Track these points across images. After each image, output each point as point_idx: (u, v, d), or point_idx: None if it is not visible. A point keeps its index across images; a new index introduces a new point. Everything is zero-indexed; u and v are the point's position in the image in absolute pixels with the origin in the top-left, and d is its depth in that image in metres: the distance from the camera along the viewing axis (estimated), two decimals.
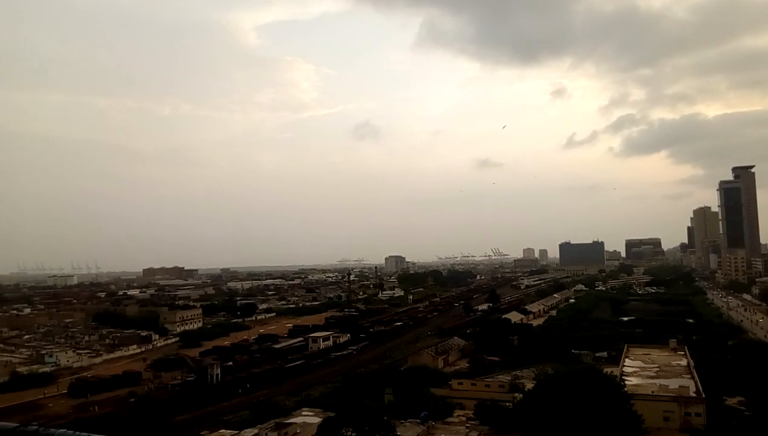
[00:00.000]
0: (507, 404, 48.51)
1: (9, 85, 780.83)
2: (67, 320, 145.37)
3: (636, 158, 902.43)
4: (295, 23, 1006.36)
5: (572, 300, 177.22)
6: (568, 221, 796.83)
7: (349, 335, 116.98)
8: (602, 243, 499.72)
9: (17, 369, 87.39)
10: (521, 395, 47.97)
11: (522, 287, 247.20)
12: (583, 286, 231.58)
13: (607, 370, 49.78)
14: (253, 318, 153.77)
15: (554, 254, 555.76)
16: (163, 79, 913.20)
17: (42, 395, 74.88)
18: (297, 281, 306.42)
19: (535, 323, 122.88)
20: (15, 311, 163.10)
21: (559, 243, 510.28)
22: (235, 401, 70.08)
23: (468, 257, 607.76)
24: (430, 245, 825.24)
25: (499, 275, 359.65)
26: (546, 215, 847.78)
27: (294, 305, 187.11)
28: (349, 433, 36.97)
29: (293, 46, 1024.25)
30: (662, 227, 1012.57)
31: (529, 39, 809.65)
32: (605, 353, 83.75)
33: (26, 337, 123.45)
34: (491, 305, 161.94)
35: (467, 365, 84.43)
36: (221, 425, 55.22)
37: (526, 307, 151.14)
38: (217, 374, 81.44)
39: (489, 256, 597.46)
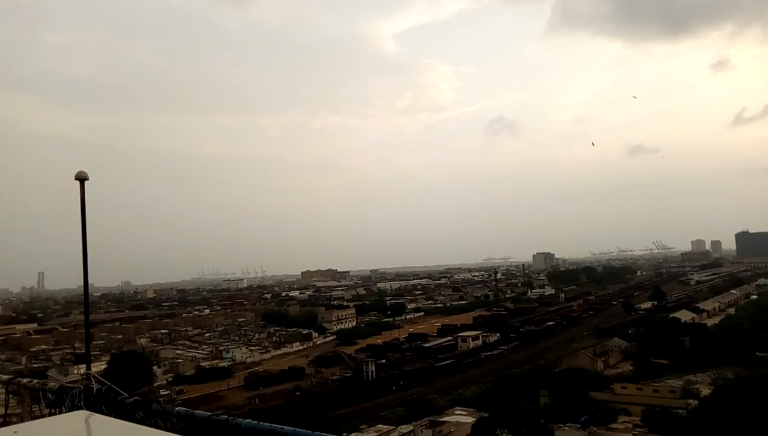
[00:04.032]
0: (680, 411, 44.19)
1: (187, 112, 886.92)
2: (240, 320, 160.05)
3: None
4: (430, 26, 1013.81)
5: (754, 296, 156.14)
6: (745, 207, 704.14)
7: (498, 334, 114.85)
8: None
9: (201, 364, 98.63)
10: (696, 402, 43.43)
11: (692, 283, 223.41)
12: (766, 280, 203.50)
13: None
14: (403, 317, 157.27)
15: (729, 245, 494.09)
16: (313, 95, 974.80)
17: (220, 387, 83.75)
18: (443, 281, 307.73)
19: (709, 322, 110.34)
20: (197, 312, 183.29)
21: (735, 233, 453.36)
22: (390, 398, 72.34)
23: (626, 251, 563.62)
24: (582, 240, 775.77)
25: (664, 271, 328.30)
26: (717, 202, 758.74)
27: (441, 305, 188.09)
28: (504, 434, 36.30)
29: (430, 48, 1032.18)
30: None
31: (678, 8, 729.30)
32: None
33: (207, 335, 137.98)
34: (655, 303, 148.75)
35: (630, 367, 78.51)
36: (378, 420, 57.37)
37: (698, 305, 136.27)
38: (371, 371, 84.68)
39: (650, 249, 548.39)
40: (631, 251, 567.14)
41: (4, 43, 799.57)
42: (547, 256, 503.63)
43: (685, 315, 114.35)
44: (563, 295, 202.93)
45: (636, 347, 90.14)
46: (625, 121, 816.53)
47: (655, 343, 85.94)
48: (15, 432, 3.43)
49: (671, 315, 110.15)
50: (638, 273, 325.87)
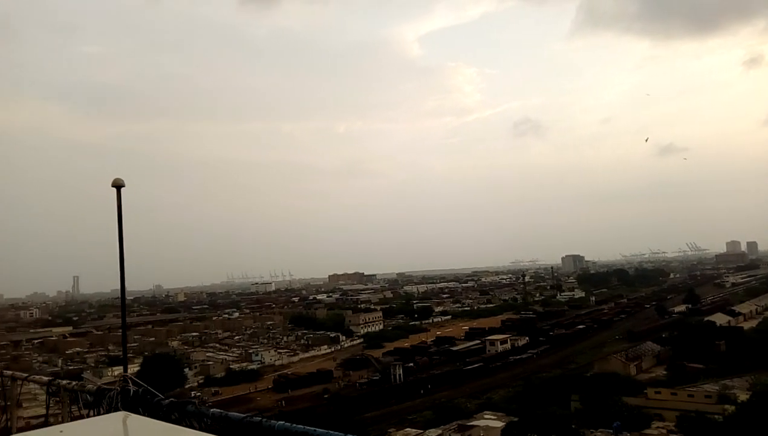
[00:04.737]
0: (716, 416, 43.03)
1: (214, 119, 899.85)
2: (269, 323, 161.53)
3: None
4: (455, 29, 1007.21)
5: None
6: None
7: (527, 338, 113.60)
8: None
9: (231, 366, 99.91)
10: (733, 408, 42.23)
11: (727, 286, 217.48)
12: None
13: None
14: (430, 321, 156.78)
15: (766, 246, 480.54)
16: (338, 100, 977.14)
17: (250, 389, 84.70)
18: (470, 284, 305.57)
19: (746, 325, 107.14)
20: (227, 315, 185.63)
21: None
22: (418, 401, 72.13)
23: (658, 253, 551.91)
24: (612, 242, 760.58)
25: (698, 273, 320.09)
26: (752, 202, 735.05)
27: (468, 308, 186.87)
28: None
29: (455, 51, 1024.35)
30: None
31: (706, 5, 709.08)
32: None
33: (236, 338, 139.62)
34: (690, 306, 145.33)
35: (664, 372, 76.79)
36: (406, 424, 57.27)
37: (734, 308, 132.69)
38: (399, 375, 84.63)
39: (684, 251, 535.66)
40: (663, 252, 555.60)
41: (41, 55, 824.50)
42: (577, 258, 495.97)
43: (720, 318, 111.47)
44: (594, 298, 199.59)
45: (670, 351, 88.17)
46: (654, 121, 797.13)
47: (690, 347, 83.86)
48: (61, 431, 3.56)
49: (706, 318, 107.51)
50: (671, 275, 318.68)
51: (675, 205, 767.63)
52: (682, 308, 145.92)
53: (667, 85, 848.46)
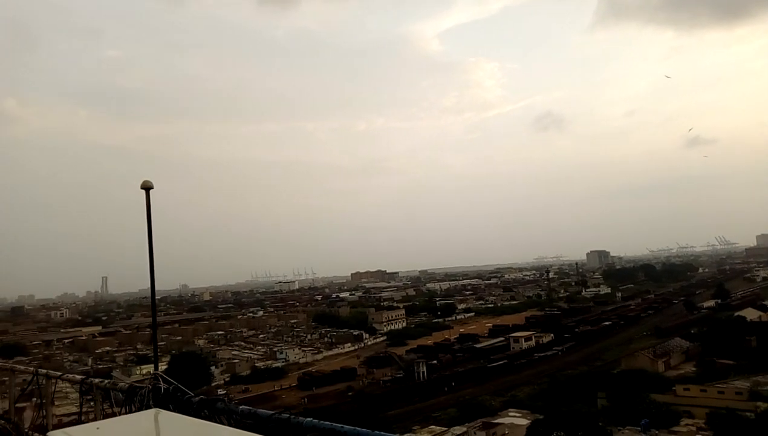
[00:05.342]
0: (747, 414, 42.11)
1: (237, 120, 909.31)
2: (293, 321, 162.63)
3: None
4: (475, 23, 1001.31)
5: None
6: None
7: (552, 335, 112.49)
8: None
9: (256, 364, 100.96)
10: (766, 405, 41.28)
11: (758, 280, 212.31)
12: None
13: None
14: (453, 318, 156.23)
15: None
16: (359, 99, 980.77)
17: (275, 387, 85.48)
18: (493, 281, 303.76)
19: None
20: (251, 314, 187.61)
21: None
22: (442, 399, 72.04)
23: (686, 247, 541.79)
24: (639, 237, 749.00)
25: (727, 267, 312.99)
26: None
27: (492, 305, 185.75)
28: None
29: (475, 46, 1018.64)
30: None
31: None
32: None
33: (261, 336, 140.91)
34: (719, 301, 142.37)
35: (693, 368, 75.48)
36: (431, 421, 57.24)
37: (765, 303, 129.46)
38: (423, 372, 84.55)
39: (712, 245, 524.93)
40: (691, 247, 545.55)
41: (65, 59, 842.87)
42: (602, 254, 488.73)
43: (751, 313, 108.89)
44: (620, 294, 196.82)
45: (699, 347, 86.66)
46: (681, 112, 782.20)
47: (720, 343, 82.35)
48: (97, 428, 3.67)
49: (736, 314, 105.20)
50: (700, 270, 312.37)
51: (703, 198, 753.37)
52: (711, 303, 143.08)
53: (693, 76, 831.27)
